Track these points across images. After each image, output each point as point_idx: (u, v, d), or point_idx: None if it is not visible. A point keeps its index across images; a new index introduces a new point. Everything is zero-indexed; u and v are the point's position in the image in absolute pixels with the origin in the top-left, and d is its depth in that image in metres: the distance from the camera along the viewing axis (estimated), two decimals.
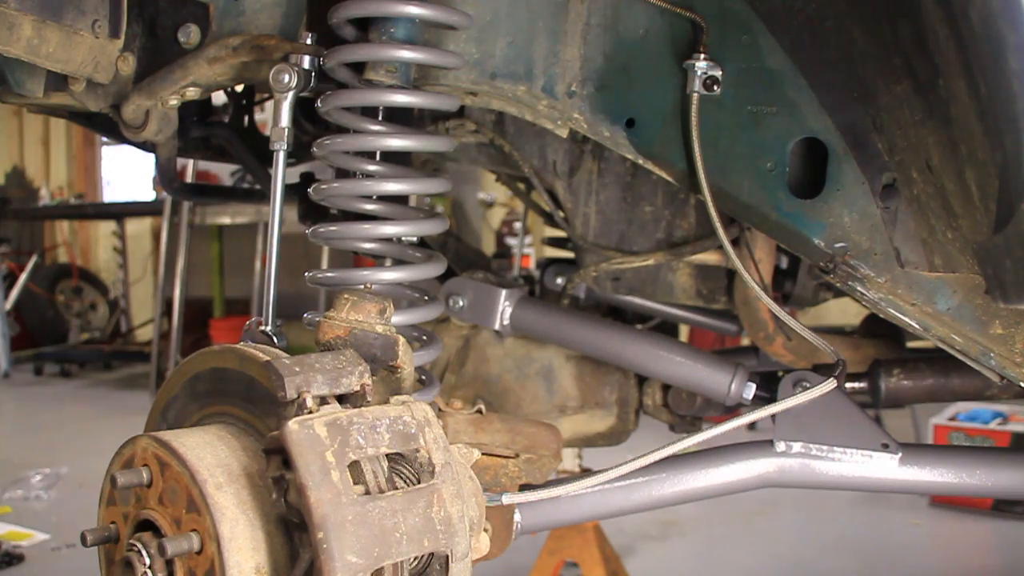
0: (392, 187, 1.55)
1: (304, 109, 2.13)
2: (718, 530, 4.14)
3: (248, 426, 1.10)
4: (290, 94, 1.52)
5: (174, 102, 1.67)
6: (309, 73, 1.53)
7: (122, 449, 1.08)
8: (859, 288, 1.45)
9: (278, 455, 0.95)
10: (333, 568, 0.91)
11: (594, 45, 1.53)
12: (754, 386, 1.76)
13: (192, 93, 1.68)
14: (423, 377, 1.62)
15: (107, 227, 10.32)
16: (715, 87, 1.46)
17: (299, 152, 2.21)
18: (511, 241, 6.97)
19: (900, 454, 1.59)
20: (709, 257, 2.04)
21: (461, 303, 1.95)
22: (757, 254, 1.91)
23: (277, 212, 1.51)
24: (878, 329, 2.29)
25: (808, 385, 1.59)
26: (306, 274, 1.62)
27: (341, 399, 1.04)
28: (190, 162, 6.58)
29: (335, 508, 0.92)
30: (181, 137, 1.95)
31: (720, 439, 1.47)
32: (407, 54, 1.48)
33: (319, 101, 1.54)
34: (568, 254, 2.46)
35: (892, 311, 1.45)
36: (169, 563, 1.00)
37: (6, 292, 8.32)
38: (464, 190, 7.90)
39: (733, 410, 1.83)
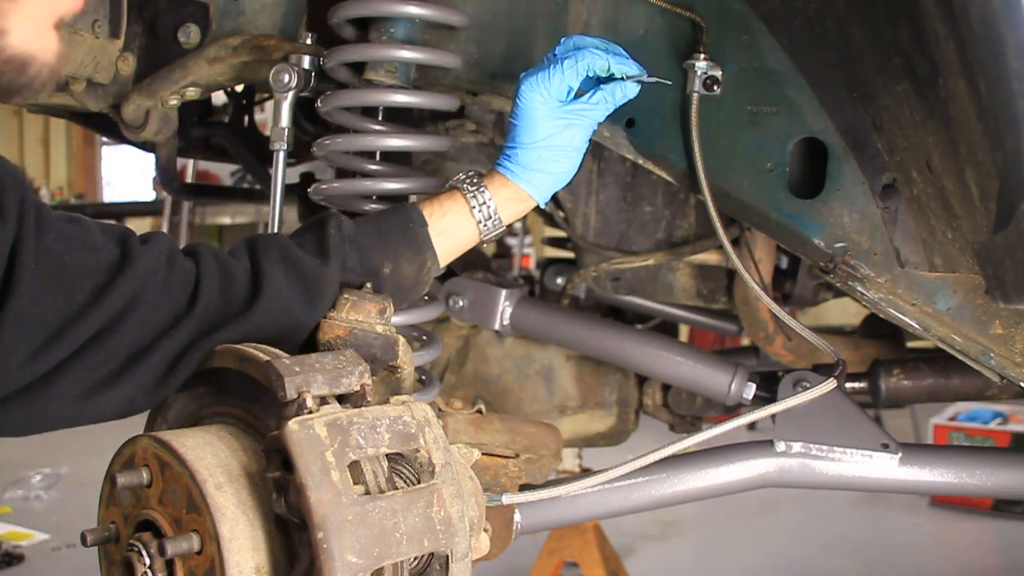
0: (392, 187, 1.55)
1: (304, 109, 2.13)
2: (718, 530, 4.14)
3: (248, 426, 1.10)
4: (290, 94, 1.52)
5: (174, 102, 1.67)
6: (309, 73, 1.53)
7: (122, 449, 1.08)
8: (859, 288, 1.45)
9: (278, 455, 0.95)
10: (333, 568, 0.91)
11: None
12: (754, 386, 1.76)
13: (192, 93, 1.68)
14: (423, 377, 1.63)
15: None
16: (715, 87, 1.46)
17: (299, 152, 2.21)
18: (511, 241, 6.94)
19: (900, 454, 1.59)
20: (709, 257, 2.04)
21: (461, 303, 1.95)
22: (757, 254, 1.91)
23: (277, 212, 1.51)
24: (878, 329, 2.29)
25: (808, 385, 1.59)
26: None
27: (341, 399, 1.04)
28: (190, 162, 6.57)
29: (335, 508, 0.92)
30: (181, 137, 1.95)
31: (720, 439, 1.47)
32: (407, 54, 1.48)
33: (319, 101, 1.54)
34: (568, 254, 2.46)
35: (892, 311, 1.45)
36: (169, 563, 1.00)
37: None
38: None
39: (733, 410, 1.83)
